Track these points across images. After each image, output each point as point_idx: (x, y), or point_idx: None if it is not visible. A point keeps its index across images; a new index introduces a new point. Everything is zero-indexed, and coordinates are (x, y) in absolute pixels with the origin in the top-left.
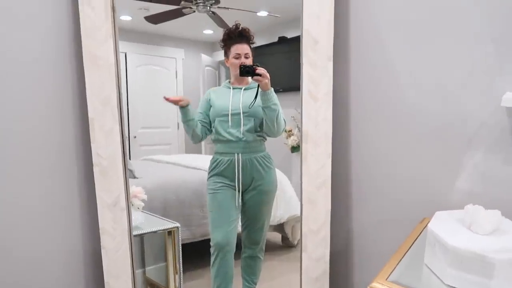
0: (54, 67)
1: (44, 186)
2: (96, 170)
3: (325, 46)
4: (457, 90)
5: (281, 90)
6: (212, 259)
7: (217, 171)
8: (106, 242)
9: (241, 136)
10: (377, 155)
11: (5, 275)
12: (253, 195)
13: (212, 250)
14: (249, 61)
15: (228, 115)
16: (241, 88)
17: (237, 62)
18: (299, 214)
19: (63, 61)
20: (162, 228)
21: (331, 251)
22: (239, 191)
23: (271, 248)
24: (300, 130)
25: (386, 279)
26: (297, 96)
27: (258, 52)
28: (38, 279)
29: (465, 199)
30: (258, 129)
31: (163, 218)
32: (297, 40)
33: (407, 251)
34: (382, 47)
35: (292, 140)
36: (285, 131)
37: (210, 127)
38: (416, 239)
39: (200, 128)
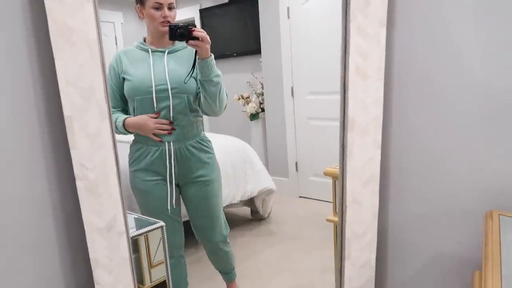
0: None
1: (7, 215)
2: (80, 185)
3: (378, 8)
4: None
5: (235, 54)
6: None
7: (144, 165)
8: (100, 277)
9: (170, 120)
10: (424, 139)
11: None
12: (195, 189)
13: None
14: (173, 15)
15: (151, 92)
16: (163, 51)
17: (158, 15)
18: (269, 186)
19: (16, 35)
20: (147, 230)
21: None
22: (172, 185)
23: (241, 223)
24: (343, 115)
25: None
26: (253, 60)
27: (206, 14)
28: None
29: None
30: (193, 108)
31: (132, 213)
32: (250, 0)
33: (501, 262)
34: (438, 7)
35: (251, 107)
36: (242, 98)
37: (126, 107)
38: (500, 243)
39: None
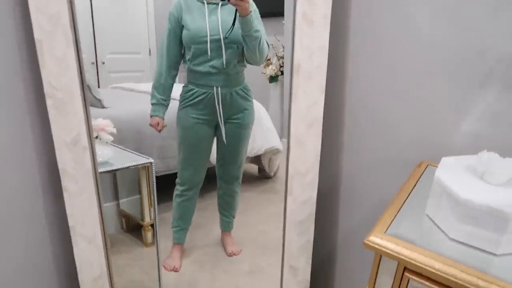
0: None
1: None
2: (49, 103)
3: None
4: (481, 22)
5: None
6: (177, 195)
7: (192, 103)
8: (67, 184)
9: (222, 67)
10: (375, 91)
11: None
12: (230, 129)
13: (178, 187)
14: None
15: (206, 42)
16: (217, 4)
17: None
18: (276, 146)
19: None
20: (134, 164)
21: (318, 193)
22: (216, 127)
23: (248, 179)
24: (291, 60)
25: (385, 232)
26: (277, 23)
27: None
28: None
29: (471, 142)
30: (241, 58)
31: (134, 152)
32: None
33: (405, 200)
34: None
35: (271, 70)
36: None
37: (183, 53)
38: (414, 186)
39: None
